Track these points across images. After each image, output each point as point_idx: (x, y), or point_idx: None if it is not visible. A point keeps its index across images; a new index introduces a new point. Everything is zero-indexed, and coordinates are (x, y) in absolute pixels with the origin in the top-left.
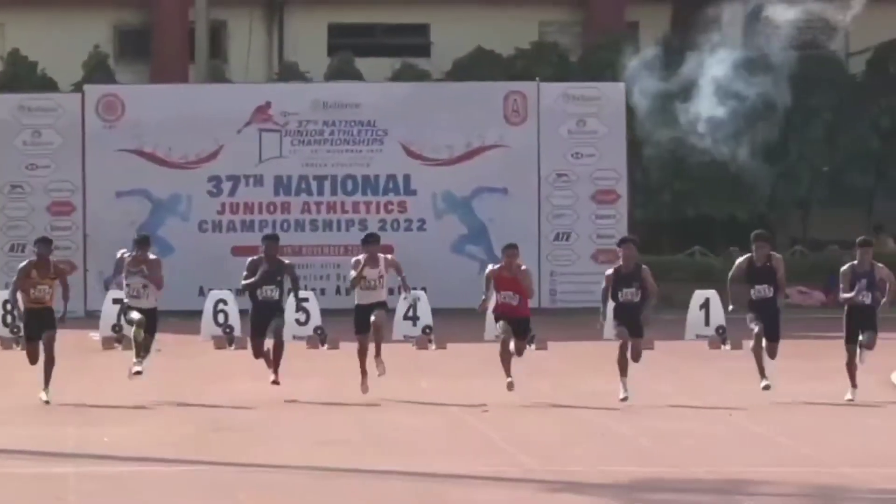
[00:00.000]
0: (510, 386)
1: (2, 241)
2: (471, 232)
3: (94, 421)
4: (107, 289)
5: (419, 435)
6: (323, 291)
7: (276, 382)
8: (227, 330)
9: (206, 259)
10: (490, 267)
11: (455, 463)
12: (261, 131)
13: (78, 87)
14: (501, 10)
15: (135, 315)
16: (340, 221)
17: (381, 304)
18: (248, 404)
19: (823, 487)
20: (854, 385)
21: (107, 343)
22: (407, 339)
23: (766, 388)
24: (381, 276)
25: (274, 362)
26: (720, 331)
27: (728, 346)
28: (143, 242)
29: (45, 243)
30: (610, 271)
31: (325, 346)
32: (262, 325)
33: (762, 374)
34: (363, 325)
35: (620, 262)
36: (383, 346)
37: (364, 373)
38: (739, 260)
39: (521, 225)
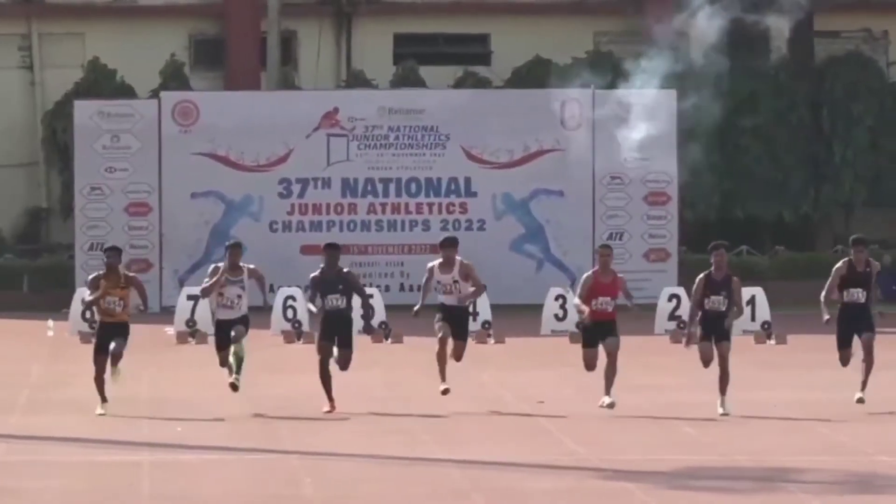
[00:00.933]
0: (611, 405)
1: (82, 241)
2: (528, 232)
3: (168, 411)
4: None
5: (477, 425)
6: (387, 288)
7: (331, 408)
8: (296, 325)
9: (276, 258)
10: (585, 275)
11: (510, 451)
12: (329, 136)
13: (155, 94)
14: (558, 20)
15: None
16: (404, 222)
17: (464, 312)
18: (313, 396)
19: (860, 475)
20: None
21: (181, 337)
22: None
23: (860, 400)
24: (456, 282)
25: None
26: (765, 326)
27: (773, 341)
28: (235, 248)
29: (114, 252)
30: (700, 277)
31: (389, 341)
32: (331, 332)
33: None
34: (445, 328)
35: (712, 268)
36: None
37: (443, 377)
38: (838, 265)
39: (577, 225)
